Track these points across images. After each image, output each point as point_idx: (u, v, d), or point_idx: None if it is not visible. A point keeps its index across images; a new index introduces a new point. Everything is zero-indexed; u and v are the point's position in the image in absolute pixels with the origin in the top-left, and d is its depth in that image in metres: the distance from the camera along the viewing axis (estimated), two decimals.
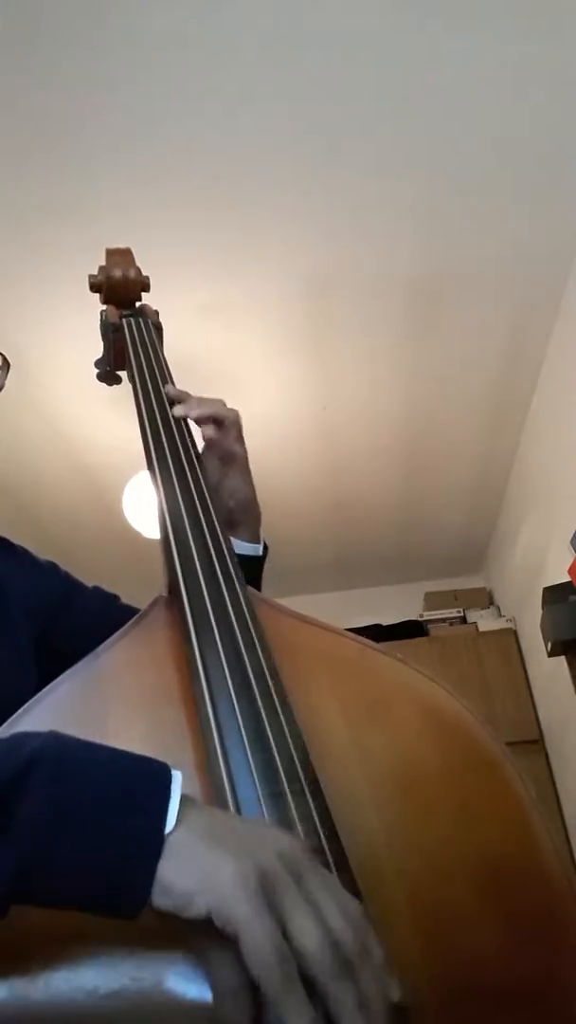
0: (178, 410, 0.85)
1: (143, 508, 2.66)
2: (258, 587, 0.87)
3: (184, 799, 0.42)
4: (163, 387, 0.89)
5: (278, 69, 1.57)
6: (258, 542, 0.90)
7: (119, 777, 0.42)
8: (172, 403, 0.87)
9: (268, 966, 0.36)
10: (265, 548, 0.91)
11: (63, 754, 0.43)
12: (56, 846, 0.39)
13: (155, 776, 0.43)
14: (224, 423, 0.86)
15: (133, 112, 1.63)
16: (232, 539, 0.84)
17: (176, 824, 0.40)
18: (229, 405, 0.90)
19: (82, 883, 0.39)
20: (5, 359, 0.87)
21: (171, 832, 0.40)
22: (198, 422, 0.86)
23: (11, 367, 0.89)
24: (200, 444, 0.87)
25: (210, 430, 0.86)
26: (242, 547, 0.86)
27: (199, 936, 0.40)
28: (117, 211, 1.83)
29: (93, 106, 1.61)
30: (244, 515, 0.88)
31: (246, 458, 0.88)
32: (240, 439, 0.87)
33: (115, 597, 0.93)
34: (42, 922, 0.43)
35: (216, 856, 0.39)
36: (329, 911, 0.39)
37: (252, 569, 0.86)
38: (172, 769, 0.43)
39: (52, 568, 0.91)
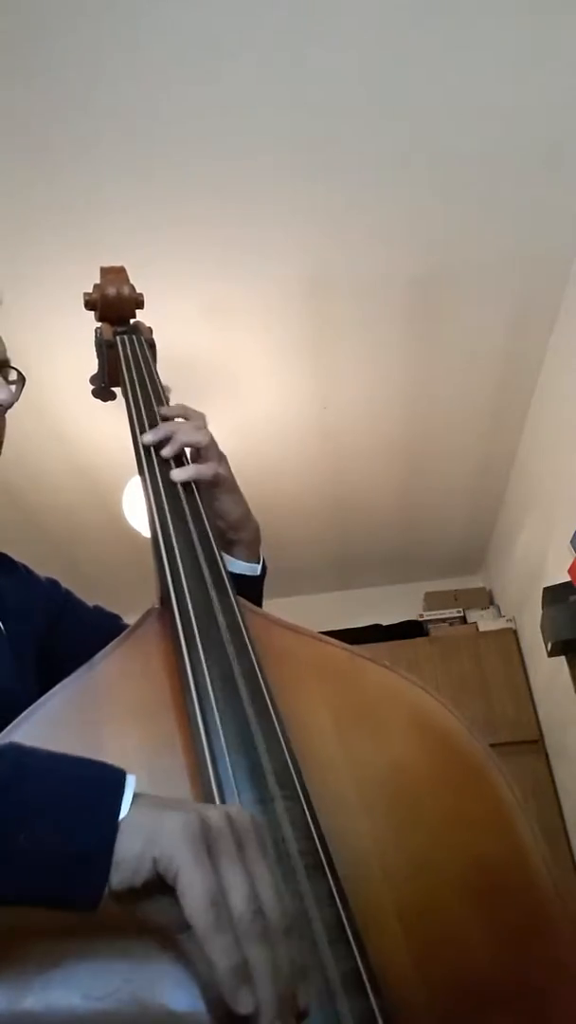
0: (165, 451, 0.83)
1: (143, 508, 2.66)
2: (258, 606, 0.84)
3: (138, 795, 0.43)
4: (155, 404, 0.89)
5: (279, 69, 1.57)
6: (256, 561, 0.88)
7: (75, 779, 0.44)
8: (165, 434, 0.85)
9: (200, 907, 0.38)
10: (264, 567, 0.88)
11: (21, 760, 0.45)
12: (11, 843, 0.40)
13: (109, 777, 0.44)
14: (200, 450, 0.84)
15: (133, 112, 1.63)
16: (228, 558, 0.83)
17: (128, 811, 0.42)
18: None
19: (38, 878, 0.40)
20: (20, 374, 0.88)
21: (123, 818, 0.41)
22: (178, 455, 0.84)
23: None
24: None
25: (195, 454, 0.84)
26: (238, 566, 0.85)
27: (159, 912, 0.40)
28: (117, 211, 1.83)
29: (93, 106, 1.61)
30: (237, 534, 0.86)
31: (231, 478, 0.85)
32: (221, 460, 0.85)
33: (116, 617, 0.93)
34: (36, 929, 0.43)
35: (162, 815, 0.41)
36: (261, 881, 0.40)
37: (251, 588, 0.84)
38: (127, 773, 0.44)
39: (52, 585, 0.92)
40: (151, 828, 0.41)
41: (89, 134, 1.67)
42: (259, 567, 0.88)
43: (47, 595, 0.89)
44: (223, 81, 1.59)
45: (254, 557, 0.87)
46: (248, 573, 0.85)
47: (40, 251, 1.95)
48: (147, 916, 0.41)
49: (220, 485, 0.84)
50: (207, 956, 0.37)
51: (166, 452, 0.82)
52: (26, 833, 0.40)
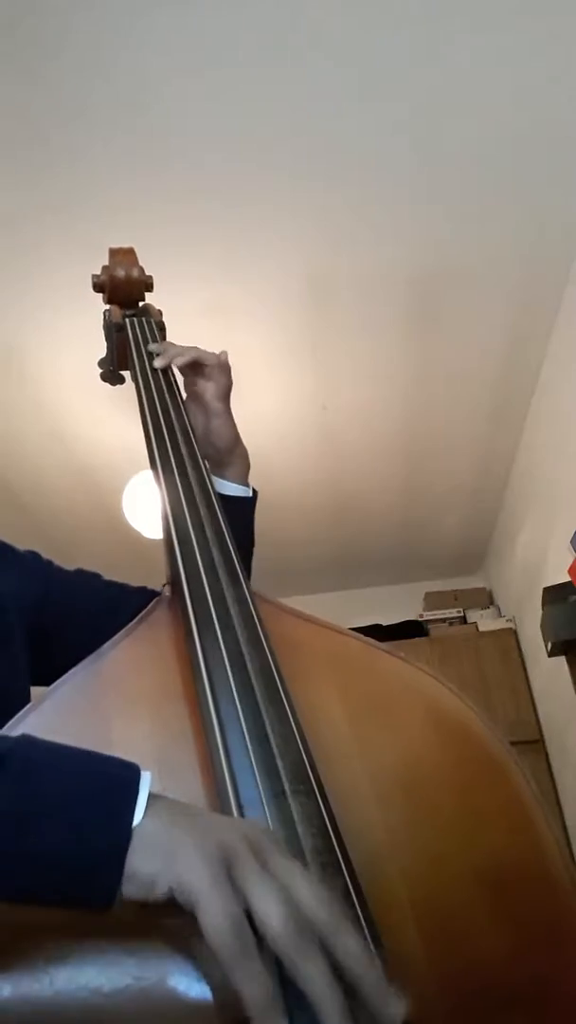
0: (157, 362, 0.88)
1: (143, 508, 2.66)
2: (250, 532, 0.89)
3: (152, 796, 0.42)
4: (165, 387, 0.89)
5: (279, 68, 1.57)
6: (247, 485, 0.91)
7: (88, 776, 0.43)
8: (159, 364, 0.90)
9: (222, 936, 0.36)
10: (255, 493, 0.92)
11: (32, 754, 0.44)
12: (23, 840, 0.40)
13: (124, 775, 0.43)
14: (205, 367, 0.88)
15: (134, 112, 1.63)
16: (220, 480, 0.88)
17: (143, 817, 0.41)
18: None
19: (50, 877, 0.39)
20: None
21: (138, 825, 0.40)
22: (181, 371, 0.89)
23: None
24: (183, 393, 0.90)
25: (192, 377, 0.89)
26: (231, 488, 0.88)
27: (176, 924, 0.40)
28: (117, 210, 1.83)
29: (94, 106, 1.61)
30: (231, 456, 0.90)
31: (225, 397, 0.90)
32: (227, 379, 0.90)
33: (97, 575, 0.93)
34: (45, 921, 0.42)
35: (179, 836, 0.40)
36: (297, 885, 0.39)
37: (243, 512, 0.88)
38: (142, 769, 0.43)
39: (34, 557, 0.91)
40: (167, 849, 0.39)
41: (90, 134, 1.67)
42: (250, 490, 0.91)
43: (31, 568, 0.88)
44: (223, 82, 1.59)
45: (244, 482, 0.91)
46: (240, 495, 0.89)
47: (41, 251, 1.95)
48: (161, 920, 0.41)
49: (218, 407, 0.88)
50: (235, 986, 0.35)
51: (180, 360, 0.88)
52: (36, 835, 0.39)
